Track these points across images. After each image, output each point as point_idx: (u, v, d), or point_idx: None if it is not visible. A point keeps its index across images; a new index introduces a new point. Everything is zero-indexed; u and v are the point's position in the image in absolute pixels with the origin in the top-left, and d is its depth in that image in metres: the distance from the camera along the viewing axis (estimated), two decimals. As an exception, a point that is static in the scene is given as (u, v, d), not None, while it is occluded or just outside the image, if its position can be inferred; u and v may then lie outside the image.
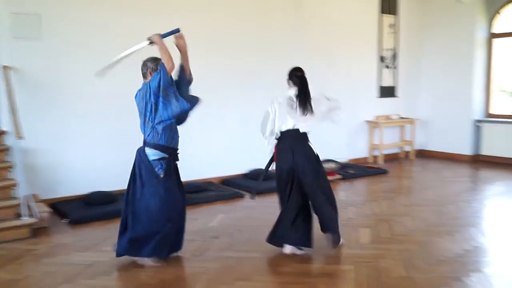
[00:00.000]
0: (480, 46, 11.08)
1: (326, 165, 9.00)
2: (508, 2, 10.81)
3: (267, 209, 7.04)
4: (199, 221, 6.47)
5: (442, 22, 11.60)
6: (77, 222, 6.43)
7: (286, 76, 5.50)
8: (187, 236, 5.77)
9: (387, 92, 11.43)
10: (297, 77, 5.40)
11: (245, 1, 9.03)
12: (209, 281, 4.50)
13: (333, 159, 9.59)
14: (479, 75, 11.15)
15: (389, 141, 11.31)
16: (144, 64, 4.95)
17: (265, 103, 9.11)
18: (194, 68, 7.75)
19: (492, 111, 11.29)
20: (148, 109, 4.79)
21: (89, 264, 4.94)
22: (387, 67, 11.37)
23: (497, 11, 11.01)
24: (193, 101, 5.16)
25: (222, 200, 7.59)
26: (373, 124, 11.09)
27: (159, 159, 4.87)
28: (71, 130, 7.42)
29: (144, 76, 4.95)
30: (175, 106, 4.83)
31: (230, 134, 8.97)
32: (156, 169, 4.83)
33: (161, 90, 4.71)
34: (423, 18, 11.92)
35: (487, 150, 10.96)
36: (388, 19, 11.30)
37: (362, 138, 11.11)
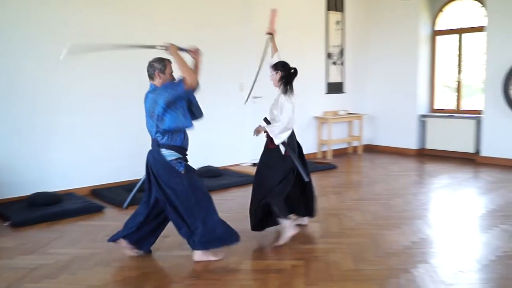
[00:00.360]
0: (424, 43, 11.28)
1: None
2: (450, 0, 11.04)
3: (217, 206, 6.98)
4: (147, 220, 6.38)
5: (387, 19, 11.75)
6: (19, 224, 6.22)
7: (272, 69, 5.97)
8: (135, 235, 5.72)
9: (335, 88, 11.52)
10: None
11: (190, 1, 8.97)
12: (159, 280, 4.44)
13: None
14: (424, 71, 11.35)
15: (337, 136, 11.41)
16: (151, 65, 4.89)
17: (213, 101, 9.16)
18: (141, 67, 7.65)
19: (436, 106, 11.51)
20: (155, 117, 4.76)
21: (33, 267, 4.80)
22: (334, 63, 11.46)
23: (440, 9, 11.23)
24: (199, 116, 5.37)
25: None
26: (321, 120, 11.16)
27: (176, 159, 4.84)
28: (13, 129, 7.23)
29: (151, 77, 4.91)
30: (181, 122, 4.82)
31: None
32: (176, 167, 4.80)
33: (171, 104, 4.72)
34: (369, 15, 12.06)
35: (431, 144, 11.16)
36: (334, 16, 11.38)
37: (311, 134, 11.17)
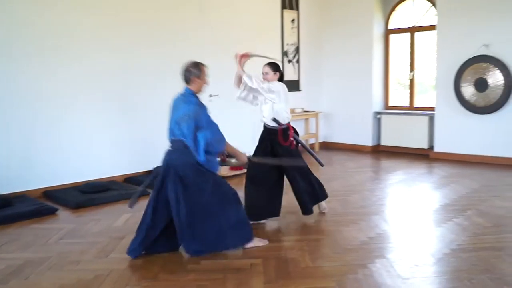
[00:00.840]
0: (378, 41, 11.41)
1: (232, 160, 9.00)
2: (402, 0, 11.18)
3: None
4: (102, 222, 6.29)
5: (341, 18, 11.85)
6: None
7: (270, 68, 6.28)
8: (90, 238, 5.63)
9: (291, 86, 11.50)
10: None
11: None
12: (114, 283, 4.36)
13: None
14: (378, 69, 11.49)
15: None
16: (188, 70, 5.07)
17: (168, 101, 9.07)
18: (99, 66, 7.57)
19: (391, 103, 11.66)
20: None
21: (-17, 273, 4.68)
22: (290, 61, 11.49)
23: (392, 8, 11.38)
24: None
25: (126, 199, 7.38)
26: (276, 118, 11.15)
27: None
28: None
29: (187, 81, 5.09)
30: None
31: (133, 130, 8.76)
32: (206, 167, 4.94)
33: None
34: (323, 14, 12.14)
35: (386, 140, 11.30)
36: (289, 14, 11.41)
37: (266, 132, 11.15)
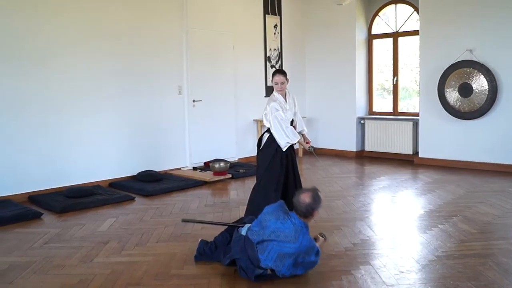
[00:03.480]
0: (361, 46, 11.46)
1: (215, 165, 9.01)
2: (384, 5, 11.24)
3: (157, 211, 6.93)
4: (86, 226, 6.25)
5: (323, 24, 11.92)
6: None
7: (285, 78, 6.15)
8: (74, 242, 5.60)
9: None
10: None
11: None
12: (98, 287, 4.34)
13: (223, 158, 9.59)
14: (361, 74, 11.54)
15: (277, 139, 11.43)
16: (312, 205, 4.48)
17: (151, 104, 9.09)
18: (80, 69, 7.56)
19: (375, 108, 11.70)
20: None
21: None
22: (273, 67, 11.49)
23: (375, 13, 11.43)
24: None
25: (111, 203, 7.38)
26: (261, 123, 11.12)
27: None
28: None
29: (307, 215, 4.48)
30: None
31: (118, 135, 8.75)
32: None
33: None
34: (305, 19, 12.21)
35: (370, 146, 11.34)
36: (272, 20, 11.46)
37: (251, 137, 11.18)
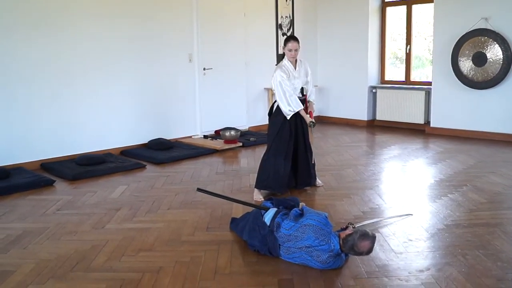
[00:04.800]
0: (374, 14, 11.33)
1: (226, 133, 9.02)
2: (400, -29, 11.12)
3: (168, 179, 6.97)
4: (98, 193, 6.31)
5: (336, -10, 11.79)
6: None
7: (298, 44, 6.14)
8: (86, 209, 5.66)
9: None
10: None
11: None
12: (110, 253, 4.40)
13: (234, 127, 9.60)
14: (374, 43, 11.42)
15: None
16: (363, 253, 4.01)
17: (162, 73, 9.09)
18: (91, 36, 7.58)
19: (387, 77, 11.63)
20: None
21: None
22: (284, 34, 11.41)
23: (390, -20, 11.30)
24: None
25: (122, 171, 7.43)
26: (272, 92, 11.12)
27: None
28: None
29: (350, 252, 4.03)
30: None
31: (129, 103, 8.77)
32: None
33: None
34: (318, -15, 12.08)
35: (382, 115, 11.29)
36: (284, -14, 11.36)
37: (262, 105, 11.16)
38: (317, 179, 6.55)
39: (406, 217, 5.25)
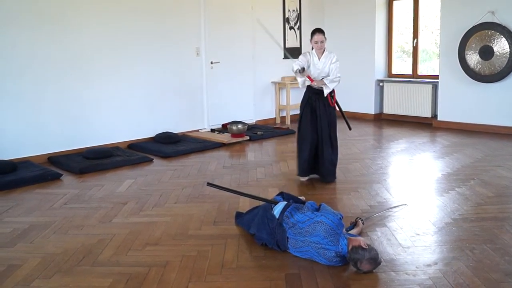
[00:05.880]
0: (381, 8, 11.29)
1: (233, 127, 9.02)
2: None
3: (175, 172, 6.98)
4: (105, 187, 6.32)
5: (343, -16, 11.75)
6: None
7: (324, 36, 6.40)
8: (93, 203, 5.66)
9: (292, 53, 11.46)
10: None
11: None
12: (117, 247, 4.40)
13: (241, 120, 9.59)
14: (381, 37, 11.39)
15: (295, 101, 11.35)
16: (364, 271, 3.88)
17: (169, 66, 9.09)
18: (98, 31, 7.59)
19: (394, 71, 11.59)
20: None
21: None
22: (291, 28, 11.40)
23: (397, -27, 11.26)
24: None
25: (129, 165, 7.44)
26: (279, 85, 11.15)
27: None
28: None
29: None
30: None
31: (136, 97, 8.77)
32: None
33: None
34: (325, -20, 12.03)
35: (389, 109, 11.27)
36: (291, -21, 11.33)
37: (269, 99, 11.16)
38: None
39: (402, 207, 5.32)
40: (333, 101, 6.41)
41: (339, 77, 6.32)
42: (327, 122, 6.35)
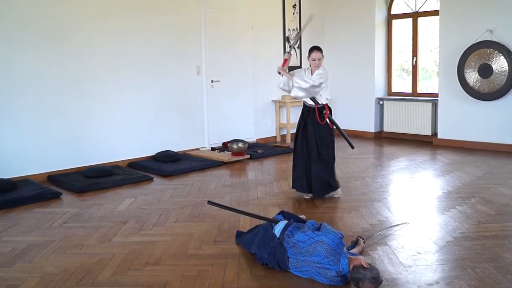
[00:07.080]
0: (380, 27, 11.35)
1: (234, 146, 9.02)
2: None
3: (176, 191, 6.96)
4: (105, 206, 6.30)
5: (343, 3, 11.82)
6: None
7: (321, 54, 6.35)
8: (93, 222, 5.64)
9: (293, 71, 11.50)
10: None
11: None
12: (116, 267, 4.38)
13: (241, 139, 9.59)
14: (380, 55, 11.43)
15: (296, 120, 11.27)
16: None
17: (170, 85, 9.10)
18: (100, 49, 7.61)
19: (394, 89, 11.61)
20: None
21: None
22: (291, 47, 11.41)
23: (395, -7, 11.32)
24: None
25: (129, 183, 7.42)
26: (280, 104, 11.16)
27: None
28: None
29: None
30: None
31: (136, 115, 8.78)
32: None
33: None
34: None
35: (389, 127, 11.27)
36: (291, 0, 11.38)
37: (270, 117, 11.17)
38: (335, 191, 6.60)
39: (403, 226, 5.30)
40: (324, 117, 6.42)
41: (313, 84, 6.19)
42: (315, 139, 6.40)
